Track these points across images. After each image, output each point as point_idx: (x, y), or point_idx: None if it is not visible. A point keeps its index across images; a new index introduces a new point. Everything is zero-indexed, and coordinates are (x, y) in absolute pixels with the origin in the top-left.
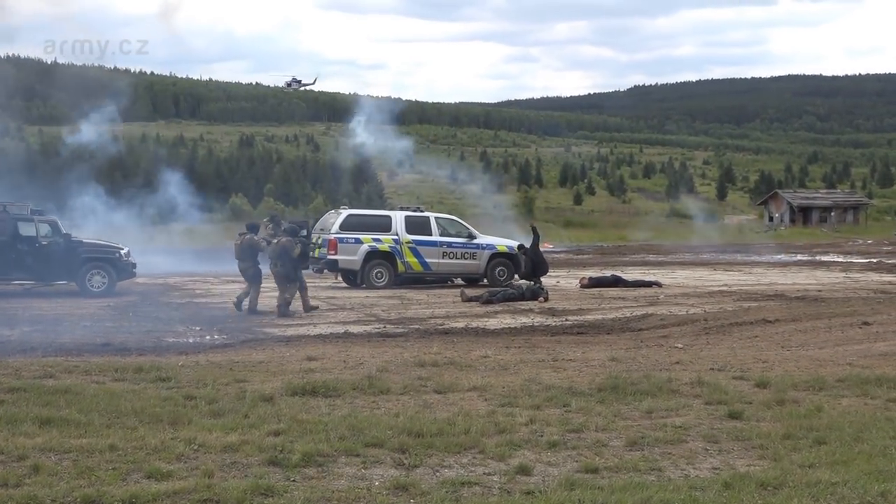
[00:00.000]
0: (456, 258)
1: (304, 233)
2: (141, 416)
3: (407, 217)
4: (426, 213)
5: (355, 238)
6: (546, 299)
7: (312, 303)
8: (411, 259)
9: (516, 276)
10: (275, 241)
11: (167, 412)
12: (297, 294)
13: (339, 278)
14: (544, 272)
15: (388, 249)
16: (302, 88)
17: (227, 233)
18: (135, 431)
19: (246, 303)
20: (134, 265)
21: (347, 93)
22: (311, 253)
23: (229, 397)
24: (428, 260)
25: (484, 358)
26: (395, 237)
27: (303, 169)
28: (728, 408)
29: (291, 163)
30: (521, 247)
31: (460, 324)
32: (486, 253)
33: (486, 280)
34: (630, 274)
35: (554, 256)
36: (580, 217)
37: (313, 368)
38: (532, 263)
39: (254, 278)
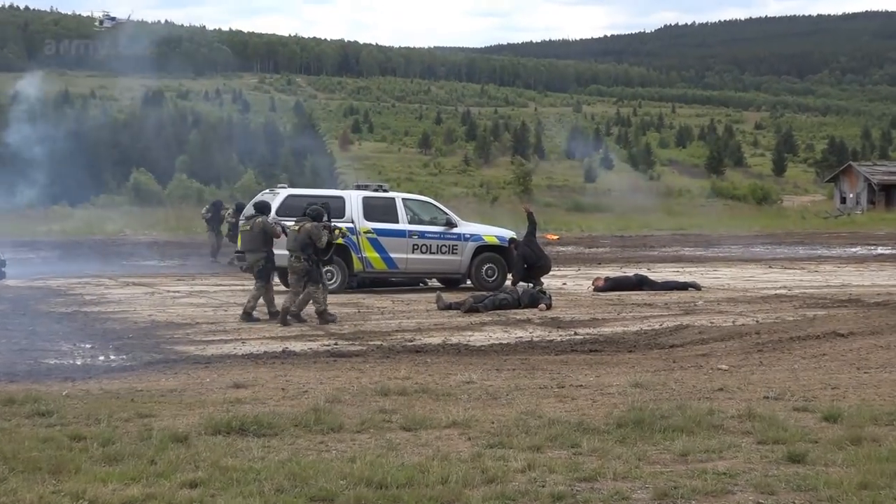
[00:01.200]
0: (430, 252)
1: (326, 218)
2: (12, 462)
3: (365, 199)
4: (391, 194)
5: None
6: (549, 307)
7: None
8: (371, 254)
9: (510, 277)
10: (294, 226)
11: (48, 457)
12: (263, 295)
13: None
14: (545, 271)
15: (341, 241)
16: (113, 25)
17: (130, 219)
18: (4, 484)
19: (259, 312)
20: (2, 263)
21: (286, 34)
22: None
23: (130, 437)
24: (393, 255)
25: (467, 384)
26: (350, 225)
27: (228, 135)
28: (787, 448)
29: (213, 126)
30: (512, 240)
31: (436, 339)
32: (470, 246)
33: (469, 282)
34: (659, 273)
35: (559, 251)
36: (594, 199)
37: (242, 399)
38: (526, 260)
39: (264, 274)
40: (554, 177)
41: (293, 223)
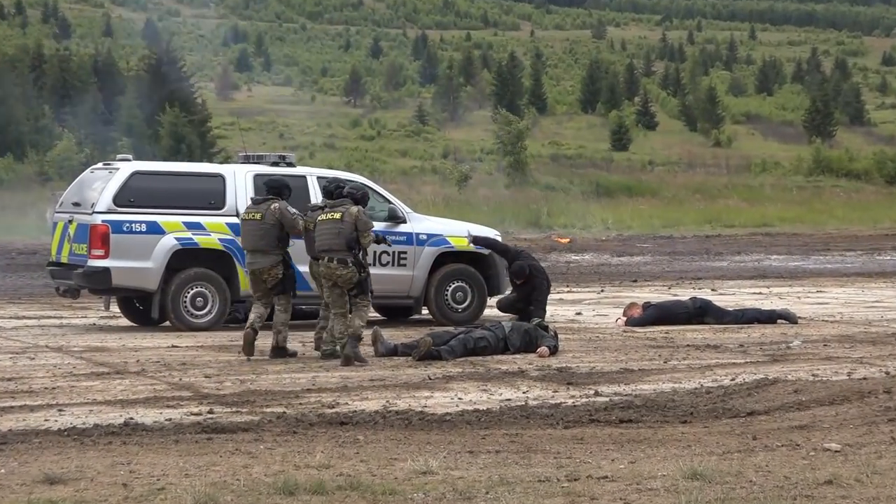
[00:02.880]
0: (391, 265)
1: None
2: None
3: (259, 179)
4: (299, 170)
5: (148, 223)
6: (553, 351)
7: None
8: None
9: (492, 303)
10: (326, 214)
11: None
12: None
13: (112, 307)
14: (542, 294)
15: (220, 247)
16: None
17: None
18: None
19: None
20: None
21: None
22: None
23: None
24: (303, 268)
25: (423, 476)
26: (235, 220)
27: (35, 77)
28: None
29: (9, 60)
30: (479, 240)
31: (372, 403)
32: (428, 253)
33: (427, 311)
34: (730, 296)
35: (569, 261)
36: (625, 177)
37: (56, 501)
38: (520, 276)
39: (283, 285)
40: (562, 142)
41: (321, 210)
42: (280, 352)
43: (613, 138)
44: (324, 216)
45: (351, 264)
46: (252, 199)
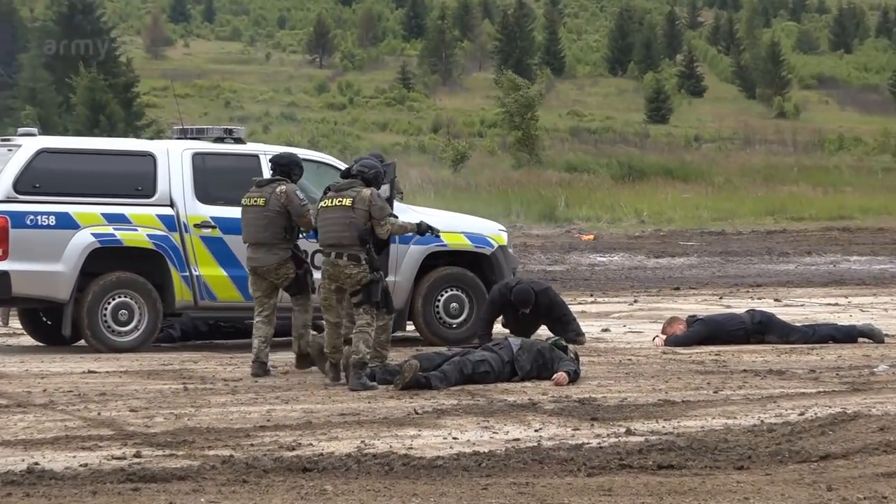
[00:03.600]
0: None
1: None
2: None
3: (199, 158)
4: (250, 147)
5: (57, 215)
6: (573, 378)
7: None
8: (212, 271)
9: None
10: (331, 200)
11: None
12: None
13: (11, 321)
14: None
15: (150, 245)
16: None
17: None
18: None
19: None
20: None
21: None
22: None
23: None
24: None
25: None
26: (169, 211)
27: None
28: None
29: None
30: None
31: (344, 444)
32: (414, 253)
33: (413, 326)
34: (798, 309)
35: (593, 263)
36: (667, 157)
37: None
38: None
39: (298, 285)
40: (584, 112)
41: (327, 196)
42: (306, 360)
43: (649, 108)
44: (328, 202)
45: (364, 262)
46: (255, 181)
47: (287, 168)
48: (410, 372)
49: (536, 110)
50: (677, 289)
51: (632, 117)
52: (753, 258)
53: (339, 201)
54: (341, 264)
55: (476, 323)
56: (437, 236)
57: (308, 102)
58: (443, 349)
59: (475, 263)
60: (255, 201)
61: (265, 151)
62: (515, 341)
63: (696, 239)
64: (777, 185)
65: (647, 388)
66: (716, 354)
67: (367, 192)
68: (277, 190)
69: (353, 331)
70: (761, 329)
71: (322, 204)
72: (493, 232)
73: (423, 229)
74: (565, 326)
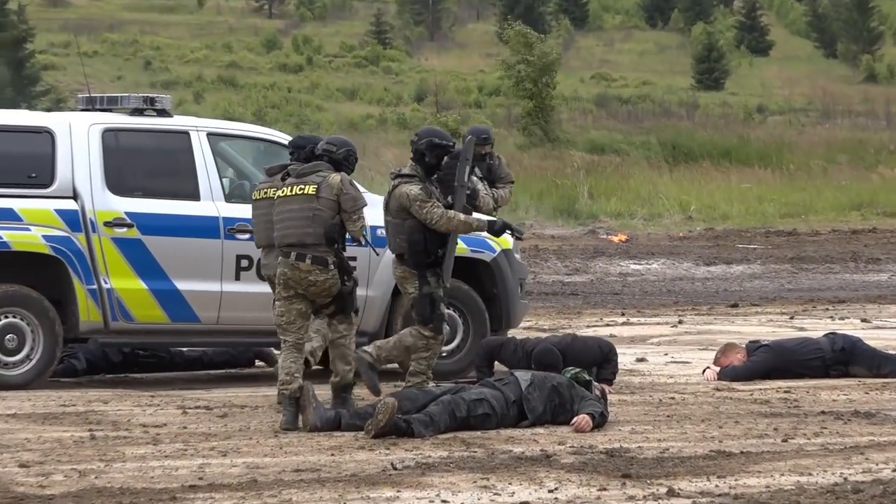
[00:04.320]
0: None
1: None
2: None
3: (110, 136)
4: (178, 121)
5: None
6: (599, 421)
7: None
8: (126, 282)
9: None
10: (287, 186)
11: None
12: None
13: None
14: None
15: (46, 248)
16: None
17: None
18: None
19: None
20: None
21: None
22: None
23: None
24: (187, 286)
25: None
26: (72, 205)
27: None
28: None
29: None
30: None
31: None
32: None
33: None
34: (890, 332)
35: (624, 272)
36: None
37: None
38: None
39: (342, 302)
40: (613, 75)
41: (286, 184)
42: (346, 390)
43: (698, 69)
44: (287, 190)
45: (332, 266)
46: (268, 171)
47: (337, 153)
48: (386, 414)
49: (554, 74)
50: (735, 305)
51: (675, 82)
52: (834, 266)
53: (301, 189)
54: (303, 269)
55: (473, 351)
56: (520, 238)
57: (253, 63)
58: (430, 385)
59: (471, 273)
60: (296, 191)
61: (198, 127)
62: (524, 375)
63: (760, 241)
64: (865, 171)
65: (696, 435)
66: (785, 391)
67: (335, 176)
68: (328, 181)
69: (331, 346)
70: (844, 358)
71: (278, 193)
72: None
73: (497, 228)
74: (606, 368)
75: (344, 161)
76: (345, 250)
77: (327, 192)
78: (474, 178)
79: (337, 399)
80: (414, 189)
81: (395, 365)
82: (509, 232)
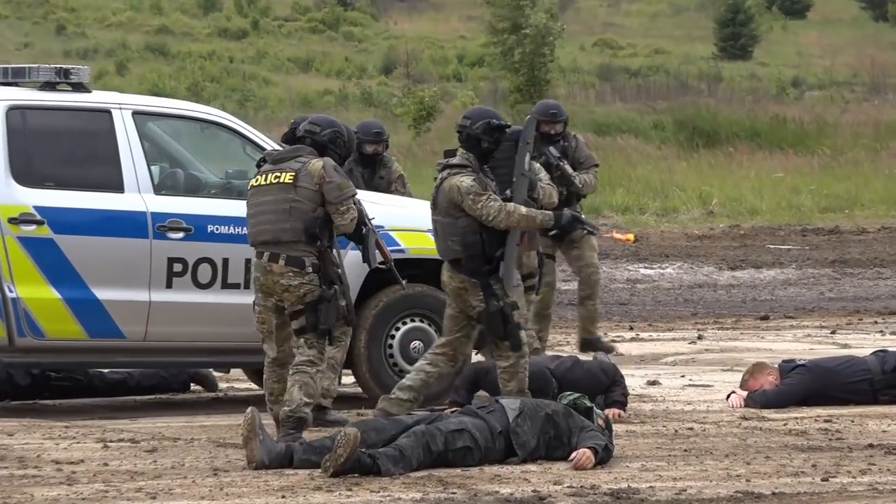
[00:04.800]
0: (225, 286)
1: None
2: None
3: (14, 113)
4: (99, 97)
5: None
6: (600, 456)
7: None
8: (35, 290)
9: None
10: (262, 174)
11: None
12: None
13: None
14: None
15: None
16: None
17: None
18: None
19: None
20: None
21: None
22: None
23: None
24: (108, 296)
25: None
26: None
27: None
28: None
29: None
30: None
31: None
32: (355, 262)
33: (353, 373)
34: None
35: (632, 281)
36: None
37: None
38: None
39: (314, 314)
40: (620, 42)
41: (260, 172)
42: (297, 427)
43: (722, 35)
44: (261, 179)
45: (309, 269)
46: (270, 158)
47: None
48: (348, 448)
49: (551, 42)
50: (765, 318)
51: (694, 50)
52: (884, 270)
53: (276, 177)
54: (276, 271)
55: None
56: (594, 233)
57: (188, 28)
58: (401, 413)
59: (437, 272)
60: (273, 179)
61: (122, 104)
62: (512, 403)
63: (796, 240)
64: None
65: (719, 472)
66: (826, 420)
67: (317, 162)
68: (312, 165)
69: (290, 371)
70: (893, 381)
71: (251, 182)
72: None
73: (565, 223)
74: (614, 391)
75: (329, 144)
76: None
77: (307, 181)
78: (536, 166)
79: (284, 435)
80: (466, 181)
81: (359, 386)
82: (580, 226)
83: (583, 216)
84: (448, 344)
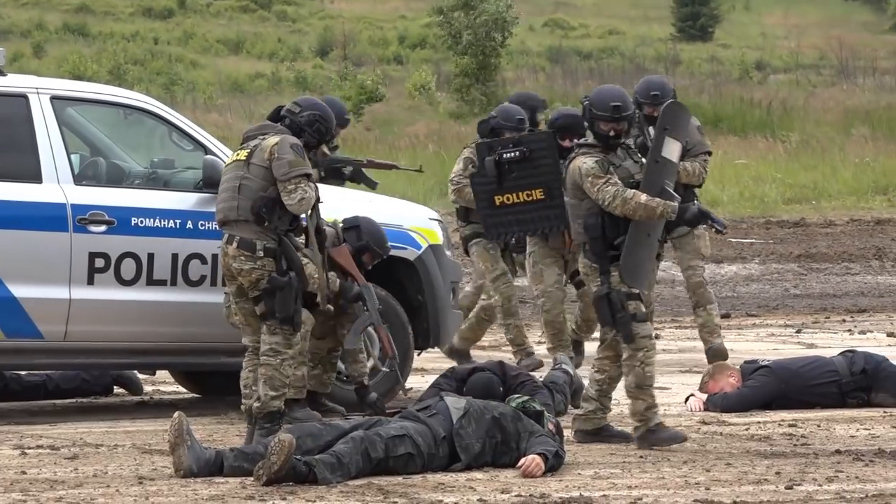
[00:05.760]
0: (153, 281)
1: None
2: None
3: None
4: (15, 82)
5: None
6: (551, 462)
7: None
8: None
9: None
10: (237, 154)
11: None
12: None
13: None
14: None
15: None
16: None
17: None
18: None
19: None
20: None
21: None
22: None
23: None
24: (23, 292)
25: None
26: None
27: None
28: None
29: None
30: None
31: None
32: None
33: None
34: None
35: None
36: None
37: None
38: None
39: (271, 299)
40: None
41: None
42: (270, 420)
43: (680, 14)
44: (229, 158)
45: (261, 253)
46: (248, 136)
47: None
48: (282, 455)
49: (506, 25)
50: (727, 316)
51: (652, 31)
52: (852, 265)
53: (237, 156)
54: (230, 253)
55: (396, 371)
56: (722, 231)
57: (110, 6)
58: (338, 419)
59: (390, 275)
60: (235, 158)
61: (39, 88)
62: (457, 403)
63: (759, 233)
64: (893, 145)
65: (677, 480)
66: (790, 425)
67: (273, 138)
68: (267, 142)
69: (263, 362)
70: (865, 383)
71: (225, 161)
72: (421, 223)
73: (691, 217)
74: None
75: (306, 126)
76: (297, 234)
77: (258, 158)
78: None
79: (259, 430)
80: (588, 162)
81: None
82: (706, 221)
83: (711, 212)
84: (608, 347)
